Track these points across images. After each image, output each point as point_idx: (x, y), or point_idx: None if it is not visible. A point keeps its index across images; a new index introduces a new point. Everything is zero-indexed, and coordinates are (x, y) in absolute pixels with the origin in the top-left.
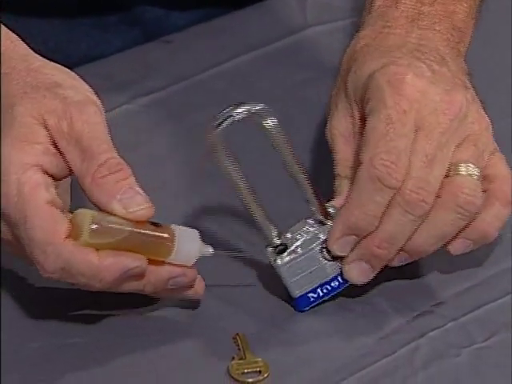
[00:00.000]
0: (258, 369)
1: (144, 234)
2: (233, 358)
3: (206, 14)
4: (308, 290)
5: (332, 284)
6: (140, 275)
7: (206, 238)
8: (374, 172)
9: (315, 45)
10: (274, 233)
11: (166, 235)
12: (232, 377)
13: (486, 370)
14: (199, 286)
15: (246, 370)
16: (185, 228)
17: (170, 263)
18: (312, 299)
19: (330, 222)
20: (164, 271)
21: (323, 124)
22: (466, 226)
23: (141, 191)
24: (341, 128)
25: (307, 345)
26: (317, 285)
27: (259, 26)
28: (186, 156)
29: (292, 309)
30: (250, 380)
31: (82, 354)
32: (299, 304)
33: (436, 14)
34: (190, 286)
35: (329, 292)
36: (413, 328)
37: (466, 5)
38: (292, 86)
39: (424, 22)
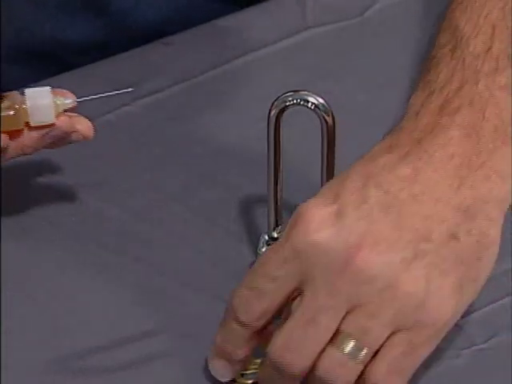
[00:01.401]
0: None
1: None
2: None
3: (175, 8)
4: None
5: None
6: (3, 150)
7: (204, 238)
8: (229, 301)
9: (315, 46)
10: (278, 227)
11: (11, 111)
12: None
13: (486, 372)
14: (84, 127)
15: (246, 371)
16: (34, 89)
17: (35, 126)
18: None
19: None
20: (33, 133)
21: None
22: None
23: None
24: None
25: None
26: None
27: (259, 27)
28: (186, 157)
29: None
30: (250, 382)
31: (80, 354)
32: None
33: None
34: (70, 132)
35: None
36: None
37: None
38: (292, 87)
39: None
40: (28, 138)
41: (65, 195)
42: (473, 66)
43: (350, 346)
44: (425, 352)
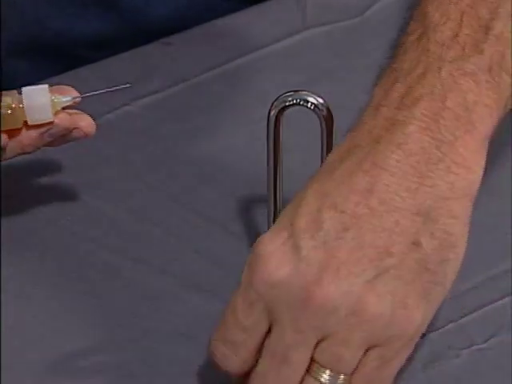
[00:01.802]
0: None
1: None
2: None
3: (187, 5)
4: None
5: None
6: (2, 149)
7: (203, 238)
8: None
9: (315, 46)
10: None
11: (9, 110)
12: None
13: (486, 372)
14: (85, 124)
15: None
16: (31, 88)
17: (34, 125)
18: None
19: None
20: (31, 132)
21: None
22: None
23: None
24: None
25: None
26: None
27: (258, 27)
28: (186, 157)
29: None
30: None
31: (79, 354)
32: None
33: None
34: (71, 130)
35: None
36: None
37: None
38: (292, 87)
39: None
40: (27, 136)
41: (64, 195)
42: (437, 53)
43: (326, 374)
44: (399, 361)
